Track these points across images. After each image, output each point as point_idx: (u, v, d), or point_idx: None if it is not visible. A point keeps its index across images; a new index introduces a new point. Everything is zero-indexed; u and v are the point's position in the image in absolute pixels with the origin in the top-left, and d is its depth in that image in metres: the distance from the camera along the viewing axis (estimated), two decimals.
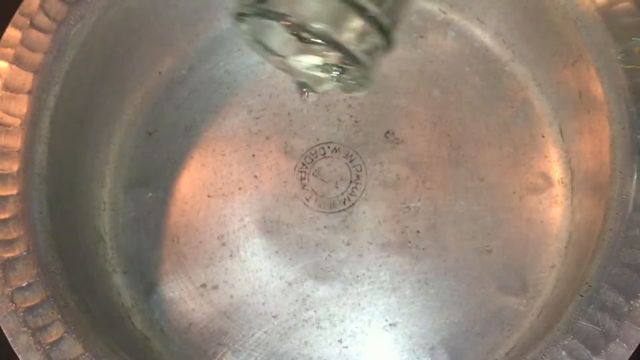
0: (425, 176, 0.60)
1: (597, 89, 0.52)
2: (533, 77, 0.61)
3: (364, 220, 0.59)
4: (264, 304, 0.58)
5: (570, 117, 0.58)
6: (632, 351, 0.45)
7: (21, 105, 0.54)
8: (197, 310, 0.58)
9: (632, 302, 0.46)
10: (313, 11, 0.45)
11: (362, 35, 0.47)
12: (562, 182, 0.58)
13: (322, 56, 0.50)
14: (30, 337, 0.49)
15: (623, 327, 0.46)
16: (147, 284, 0.59)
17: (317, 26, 0.45)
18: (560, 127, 0.59)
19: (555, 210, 0.58)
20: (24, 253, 0.51)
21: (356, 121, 0.61)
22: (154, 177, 0.62)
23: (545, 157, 0.59)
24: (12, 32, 0.56)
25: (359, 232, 0.59)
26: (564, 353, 0.46)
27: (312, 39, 0.46)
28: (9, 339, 0.49)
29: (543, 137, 0.60)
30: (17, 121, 0.54)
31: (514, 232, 0.58)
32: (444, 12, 0.63)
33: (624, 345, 0.45)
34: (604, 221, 0.50)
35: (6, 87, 0.54)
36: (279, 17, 0.45)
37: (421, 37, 0.63)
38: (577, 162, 0.57)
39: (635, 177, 0.49)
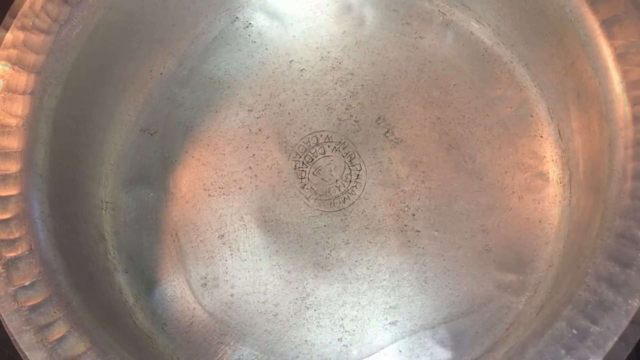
0: (418, 160, 0.60)
1: (595, 90, 0.52)
2: (532, 77, 0.61)
3: (363, 219, 0.59)
4: (264, 293, 0.59)
5: (569, 118, 0.58)
6: (630, 318, 0.46)
7: (22, 106, 0.55)
8: (198, 307, 0.59)
9: (628, 271, 0.47)
10: None
11: None
12: (561, 183, 0.59)
13: None
14: (34, 335, 0.49)
15: (621, 295, 0.46)
16: (149, 282, 0.60)
17: None
18: (558, 127, 0.60)
19: (547, 187, 0.59)
20: (26, 252, 0.52)
21: (356, 121, 0.62)
22: (155, 177, 0.62)
23: (544, 157, 0.60)
24: (5, 35, 0.56)
25: (358, 230, 0.59)
26: (563, 323, 0.46)
27: None
28: (14, 337, 0.50)
29: (532, 116, 0.61)
30: (19, 122, 0.54)
31: (512, 230, 0.58)
32: (443, 14, 0.63)
33: (622, 313, 0.46)
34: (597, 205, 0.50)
35: (7, 88, 0.55)
36: None
37: (421, 37, 0.63)
38: (575, 162, 0.57)
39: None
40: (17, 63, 0.55)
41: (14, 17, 0.56)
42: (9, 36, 0.56)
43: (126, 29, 0.61)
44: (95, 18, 0.57)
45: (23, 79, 0.55)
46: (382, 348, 0.57)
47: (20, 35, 0.56)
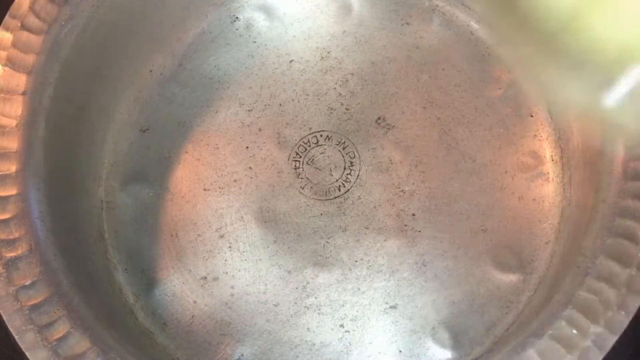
0: (418, 160, 0.60)
1: None
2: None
3: (363, 219, 0.60)
4: (264, 293, 0.59)
5: (569, 118, 0.58)
6: (630, 318, 0.46)
7: (16, 107, 0.55)
8: (199, 302, 0.59)
9: (628, 270, 0.47)
10: None
11: None
12: (561, 183, 0.59)
13: None
14: (37, 335, 0.49)
15: (621, 295, 0.47)
16: (148, 280, 0.60)
17: None
18: (558, 127, 0.60)
19: (547, 187, 0.59)
20: (26, 252, 0.52)
21: (356, 121, 0.62)
22: (150, 174, 0.62)
23: (544, 157, 0.60)
24: (3, 35, 0.56)
25: (355, 217, 0.60)
26: (563, 323, 0.47)
27: None
28: (16, 337, 0.50)
29: (532, 116, 0.61)
30: (13, 122, 0.54)
31: (512, 230, 0.58)
32: (444, 14, 0.64)
33: (622, 313, 0.46)
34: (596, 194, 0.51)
35: (6, 89, 0.55)
36: None
37: (407, 23, 0.64)
38: (575, 162, 0.58)
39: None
40: (16, 63, 0.55)
41: (14, 17, 0.56)
42: (8, 36, 0.55)
43: (126, 29, 0.61)
44: (95, 18, 0.57)
45: (22, 80, 0.55)
46: (384, 332, 0.57)
47: (20, 35, 0.55)
